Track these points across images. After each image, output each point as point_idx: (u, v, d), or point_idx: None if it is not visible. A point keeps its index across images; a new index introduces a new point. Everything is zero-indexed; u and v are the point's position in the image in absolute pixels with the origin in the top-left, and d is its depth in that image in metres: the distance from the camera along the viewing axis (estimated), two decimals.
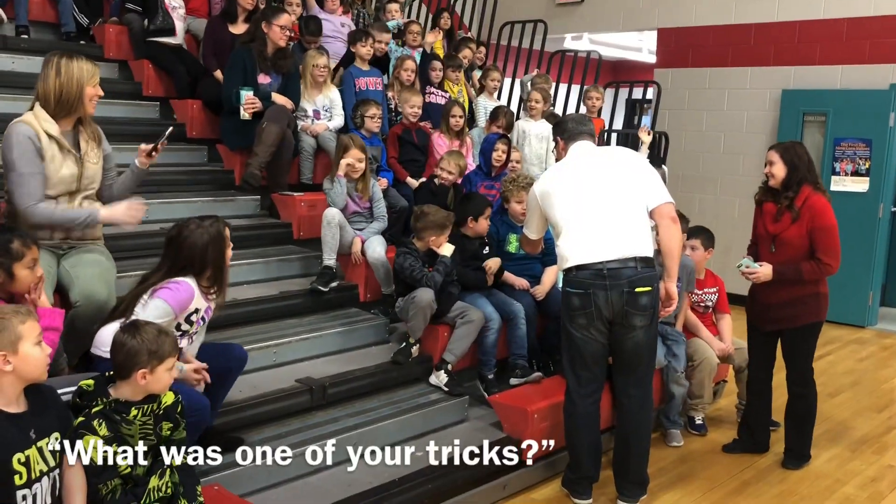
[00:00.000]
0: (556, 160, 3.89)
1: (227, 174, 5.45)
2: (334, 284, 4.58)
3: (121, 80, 6.01)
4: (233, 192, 5.32)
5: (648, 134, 5.82)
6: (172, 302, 2.97)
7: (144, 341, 2.50)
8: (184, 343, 3.05)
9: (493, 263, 4.60)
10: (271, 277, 4.71)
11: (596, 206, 3.54)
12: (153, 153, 3.52)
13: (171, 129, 3.55)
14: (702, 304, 4.81)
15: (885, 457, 4.48)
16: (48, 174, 3.21)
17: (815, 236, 3.97)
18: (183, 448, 2.64)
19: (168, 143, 5.34)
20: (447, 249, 4.31)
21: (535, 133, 6.24)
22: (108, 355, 2.84)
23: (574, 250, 3.53)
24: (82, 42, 6.17)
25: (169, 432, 2.61)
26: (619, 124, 8.01)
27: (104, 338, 2.95)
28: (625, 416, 3.73)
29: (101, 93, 3.36)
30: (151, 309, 2.94)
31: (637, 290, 3.47)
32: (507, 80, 8.05)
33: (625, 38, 10.84)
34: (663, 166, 5.72)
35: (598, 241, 3.49)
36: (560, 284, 4.68)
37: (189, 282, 3.05)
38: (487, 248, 4.71)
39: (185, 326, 3.06)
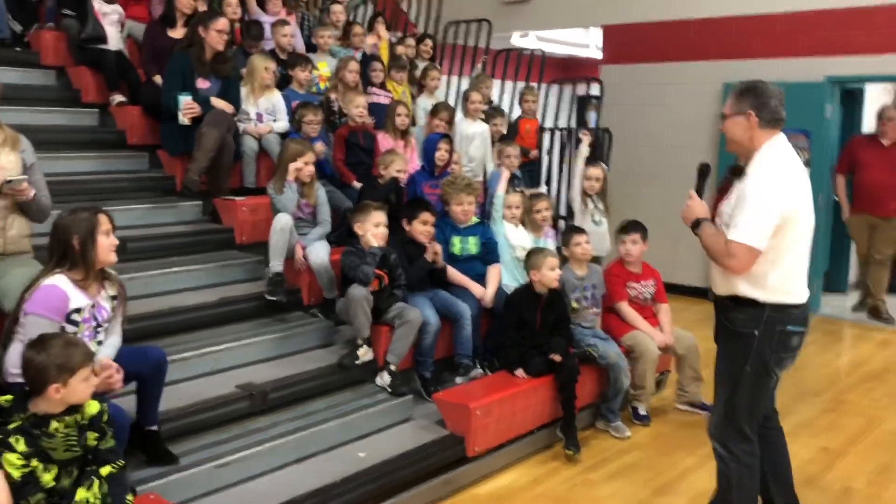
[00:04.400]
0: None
1: (169, 180, 5.40)
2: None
3: (58, 87, 5.93)
4: (174, 198, 5.27)
5: (586, 135, 5.90)
6: (40, 310, 2.84)
7: (51, 356, 2.47)
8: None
9: (438, 247, 4.61)
10: (214, 283, 4.68)
11: (810, 230, 3.06)
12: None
13: (24, 177, 3.30)
14: (640, 297, 4.90)
15: (819, 439, 4.61)
16: None
17: None
18: (112, 458, 2.63)
19: (118, 152, 5.44)
20: (372, 241, 4.29)
21: (477, 132, 6.30)
22: (18, 378, 2.80)
23: (795, 284, 3.01)
24: (17, 49, 6.08)
25: (95, 442, 2.59)
26: (568, 121, 8.07)
27: (10, 361, 2.90)
28: (781, 445, 3.38)
29: None
30: (28, 328, 2.83)
31: None
32: (455, 79, 8.11)
33: (573, 35, 10.95)
34: (602, 164, 5.78)
35: (806, 272, 3.08)
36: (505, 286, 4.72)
37: (55, 281, 2.91)
38: None
39: (70, 328, 2.91)
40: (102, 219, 3.01)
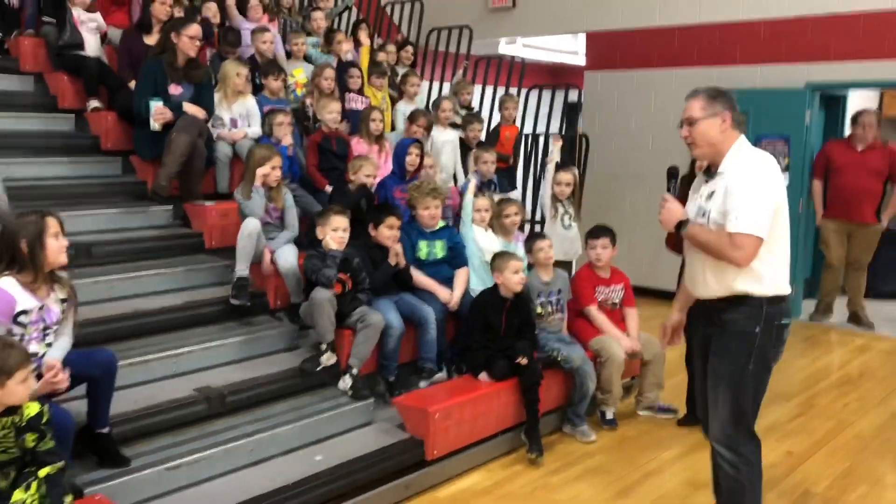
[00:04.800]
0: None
1: (141, 185, 5.41)
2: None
3: (36, 93, 5.97)
4: (146, 203, 5.27)
5: (557, 140, 5.92)
6: None
7: None
8: (35, 348, 2.99)
9: (399, 247, 4.62)
10: (181, 287, 4.69)
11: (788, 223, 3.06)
12: None
13: None
14: (609, 301, 4.91)
15: (786, 444, 4.60)
16: None
17: None
18: (51, 459, 2.63)
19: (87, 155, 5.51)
20: (331, 244, 4.30)
21: (447, 140, 6.32)
22: None
23: (784, 275, 3.02)
24: None
25: (34, 443, 2.60)
26: (547, 128, 8.08)
27: None
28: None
29: None
30: None
31: None
32: (436, 85, 8.14)
33: (561, 42, 10.99)
34: (573, 169, 5.80)
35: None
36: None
37: (1, 283, 2.94)
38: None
39: (17, 330, 2.94)
40: (51, 221, 3.04)
